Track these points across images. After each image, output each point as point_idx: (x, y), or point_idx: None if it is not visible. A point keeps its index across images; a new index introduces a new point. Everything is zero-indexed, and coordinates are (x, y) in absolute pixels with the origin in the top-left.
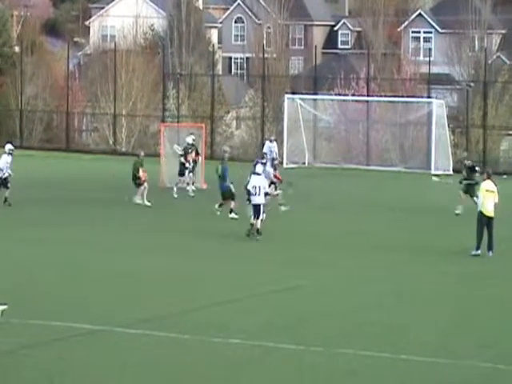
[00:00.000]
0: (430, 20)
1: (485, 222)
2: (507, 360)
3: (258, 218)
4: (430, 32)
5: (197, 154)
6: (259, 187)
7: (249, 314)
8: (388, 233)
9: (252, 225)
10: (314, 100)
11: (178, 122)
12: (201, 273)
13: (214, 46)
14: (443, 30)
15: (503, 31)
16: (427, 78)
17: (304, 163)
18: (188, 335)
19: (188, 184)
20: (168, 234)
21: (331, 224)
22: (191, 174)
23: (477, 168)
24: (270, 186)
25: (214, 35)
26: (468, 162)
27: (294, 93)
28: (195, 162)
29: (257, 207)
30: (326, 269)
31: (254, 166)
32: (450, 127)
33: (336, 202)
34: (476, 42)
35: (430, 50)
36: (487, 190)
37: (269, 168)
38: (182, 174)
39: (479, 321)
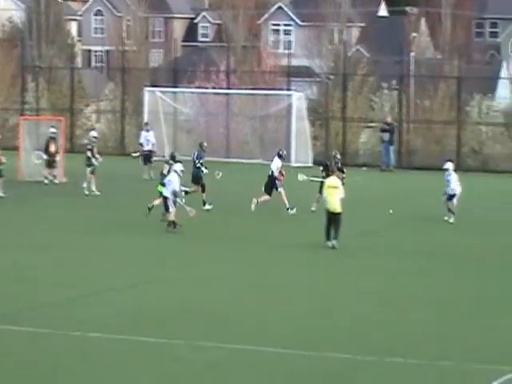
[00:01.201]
0: (289, 13)
1: (331, 217)
2: (365, 351)
3: (167, 211)
4: (290, 25)
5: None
6: (169, 181)
7: (109, 307)
8: (247, 226)
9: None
10: (174, 93)
11: (37, 115)
12: (59, 266)
13: (73, 38)
14: (303, 23)
15: (362, 24)
16: (287, 70)
17: (164, 156)
18: (47, 329)
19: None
20: (25, 228)
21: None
22: (54, 168)
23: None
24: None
25: (73, 28)
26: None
27: (154, 86)
28: (54, 154)
29: (164, 200)
30: (188, 264)
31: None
32: (309, 119)
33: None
34: (335, 35)
35: (289, 42)
36: (329, 187)
37: None
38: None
39: (338, 311)
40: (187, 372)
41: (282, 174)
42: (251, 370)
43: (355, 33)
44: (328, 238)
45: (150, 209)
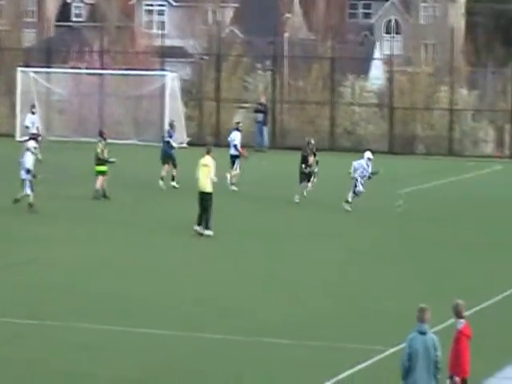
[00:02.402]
0: None
1: (201, 197)
2: (238, 331)
3: (32, 192)
4: (164, 5)
5: None
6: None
7: None
8: (124, 208)
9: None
10: (48, 73)
11: None
12: None
13: None
14: (176, 3)
15: (236, 5)
16: (161, 51)
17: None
18: None
19: None
20: None
21: (75, 198)
22: None
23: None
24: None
25: None
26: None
27: (27, 66)
28: None
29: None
30: (67, 246)
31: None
32: (183, 100)
33: (76, 175)
34: (209, 16)
35: (163, 23)
36: (202, 165)
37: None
38: None
39: (220, 294)
40: (60, 353)
41: (243, 147)
42: (131, 351)
43: (229, 13)
44: (199, 222)
45: (97, 191)
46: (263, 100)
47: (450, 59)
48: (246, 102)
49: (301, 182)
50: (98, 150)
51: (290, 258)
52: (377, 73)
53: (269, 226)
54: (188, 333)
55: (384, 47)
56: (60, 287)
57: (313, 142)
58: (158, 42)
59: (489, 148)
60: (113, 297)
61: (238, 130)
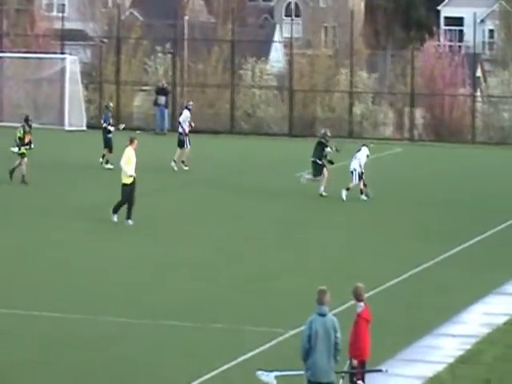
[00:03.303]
0: None
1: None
2: (140, 314)
3: None
4: None
5: None
6: None
7: None
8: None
9: None
10: None
11: None
12: None
13: None
14: None
15: None
16: (60, 34)
17: None
18: None
19: None
20: None
21: None
22: None
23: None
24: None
25: None
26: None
27: None
28: None
29: None
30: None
31: None
32: (83, 83)
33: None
34: None
35: (63, 5)
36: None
37: None
38: None
39: (120, 279)
40: None
41: (191, 125)
42: (30, 334)
43: None
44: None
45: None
46: (164, 83)
47: (350, 42)
48: (147, 85)
49: (317, 174)
50: (19, 135)
51: (189, 240)
52: (277, 55)
53: (165, 210)
54: (88, 316)
55: (284, 30)
56: None
57: (329, 133)
58: (58, 25)
59: (388, 131)
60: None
61: (187, 108)
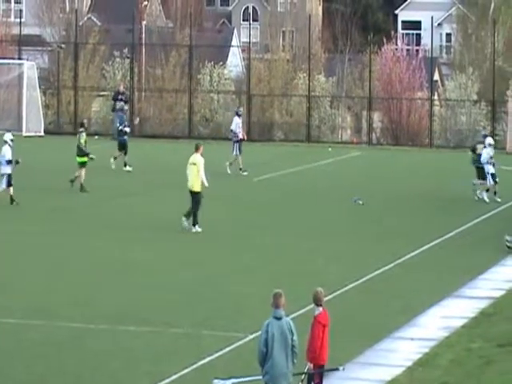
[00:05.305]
0: None
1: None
2: (97, 320)
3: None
4: None
5: None
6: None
7: None
8: None
9: None
10: None
11: None
12: None
13: None
14: None
15: None
16: (18, 39)
17: None
18: None
19: None
20: None
21: None
22: None
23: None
24: None
25: None
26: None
27: None
28: None
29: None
30: None
31: None
32: (41, 89)
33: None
34: (67, 3)
35: (21, 11)
36: (190, 163)
37: None
38: None
39: (71, 282)
40: None
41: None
42: None
43: (87, 1)
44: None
45: (72, 181)
46: (122, 88)
47: (308, 46)
48: (104, 90)
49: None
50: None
51: (145, 245)
52: (235, 60)
53: (117, 215)
54: (41, 321)
55: (242, 35)
56: None
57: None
58: (15, 31)
59: (346, 134)
60: None
61: (238, 115)
